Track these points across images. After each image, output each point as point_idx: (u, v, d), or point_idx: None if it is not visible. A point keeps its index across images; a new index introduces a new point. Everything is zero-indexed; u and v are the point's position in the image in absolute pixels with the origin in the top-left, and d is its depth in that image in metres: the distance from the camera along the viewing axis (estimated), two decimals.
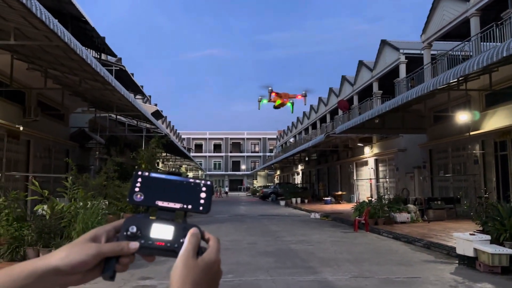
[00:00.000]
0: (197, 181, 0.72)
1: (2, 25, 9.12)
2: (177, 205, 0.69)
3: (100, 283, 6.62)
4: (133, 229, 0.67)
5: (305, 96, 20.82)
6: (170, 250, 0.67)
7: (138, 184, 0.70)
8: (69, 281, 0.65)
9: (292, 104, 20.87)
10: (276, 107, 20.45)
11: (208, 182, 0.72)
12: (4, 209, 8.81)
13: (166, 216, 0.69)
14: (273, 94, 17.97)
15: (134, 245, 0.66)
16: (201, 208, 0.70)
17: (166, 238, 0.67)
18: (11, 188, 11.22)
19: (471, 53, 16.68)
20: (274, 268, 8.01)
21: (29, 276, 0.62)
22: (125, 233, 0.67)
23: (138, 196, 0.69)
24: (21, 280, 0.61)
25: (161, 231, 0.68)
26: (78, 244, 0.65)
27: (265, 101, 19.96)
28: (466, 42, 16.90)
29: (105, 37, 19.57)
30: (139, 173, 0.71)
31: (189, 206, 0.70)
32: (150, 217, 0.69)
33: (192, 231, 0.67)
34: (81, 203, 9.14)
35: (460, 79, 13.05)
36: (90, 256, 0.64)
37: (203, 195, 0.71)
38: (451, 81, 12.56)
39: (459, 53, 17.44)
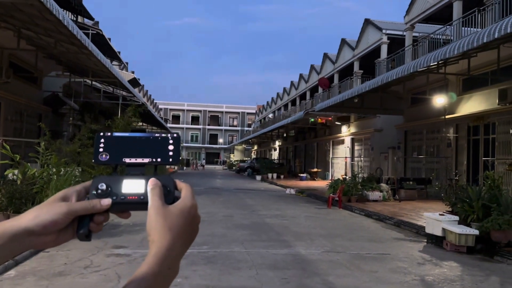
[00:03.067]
0: (164, 135, 0.71)
1: None
2: (146, 160, 0.68)
3: (74, 250, 6.57)
4: (103, 186, 0.66)
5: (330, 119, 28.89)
6: (144, 202, 0.65)
7: (102, 145, 0.69)
8: (43, 242, 0.63)
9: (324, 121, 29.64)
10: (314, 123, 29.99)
11: (175, 135, 0.71)
12: None
13: (136, 171, 0.68)
14: (319, 119, 28.05)
15: (107, 201, 0.65)
16: (170, 160, 0.69)
17: (138, 191, 0.66)
18: None
19: (452, 37, 16.84)
20: (249, 241, 8.10)
21: None
22: (94, 192, 0.66)
23: (104, 156, 0.68)
24: None
25: (133, 186, 0.67)
26: (48, 204, 0.64)
27: (313, 119, 28.26)
28: (448, 26, 17.02)
29: None
30: (101, 134, 0.70)
31: (158, 159, 0.69)
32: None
33: (150, 182, 0.65)
34: (54, 170, 8.93)
35: (440, 62, 13.19)
36: (60, 215, 0.62)
37: (171, 147, 0.70)
38: (431, 64, 12.69)
39: (440, 36, 17.58)
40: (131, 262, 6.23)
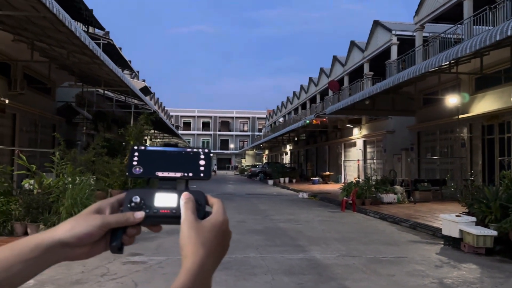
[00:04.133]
0: (195, 150, 0.72)
1: None
2: (178, 174, 0.69)
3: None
4: (137, 199, 0.67)
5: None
6: (176, 216, 0.66)
7: (136, 158, 0.69)
8: (77, 253, 0.64)
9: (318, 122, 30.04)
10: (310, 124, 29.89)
11: (206, 150, 0.72)
12: None
13: (168, 185, 0.69)
14: (313, 121, 28.57)
15: (140, 214, 0.66)
16: (202, 174, 0.70)
17: (171, 205, 0.67)
18: None
19: (463, 37, 16.67)
20: (264, 246, 8.08)
21: (34, 249, 0.60)
22: (128, 205, 0.67)
23: (137, 169, 0.69)
24: (26, 254, 0.60)
25: (165, 199, 0.67)
26: (83, 216, 0.64)
27: (308, 121, 28.95)
28: (458, 25, 16.86)
29: (92, 10, 19.07)
30: (135, 147, 0.71)
31: (190, 174, 0.69)
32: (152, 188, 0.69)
33: (183, 196, 0.66)
34: (70, 179, 9.03)
35: (451, 62, 13.06)
36: (95, 227, 0.63)
37: (202, 162, 0.70)
38: (443, 64, 12.56)
39: (451, 36, 17.42)
40: (147, 270, 6.26)
